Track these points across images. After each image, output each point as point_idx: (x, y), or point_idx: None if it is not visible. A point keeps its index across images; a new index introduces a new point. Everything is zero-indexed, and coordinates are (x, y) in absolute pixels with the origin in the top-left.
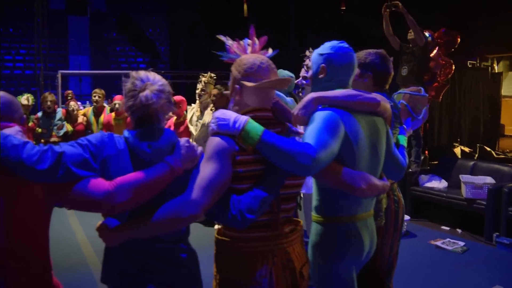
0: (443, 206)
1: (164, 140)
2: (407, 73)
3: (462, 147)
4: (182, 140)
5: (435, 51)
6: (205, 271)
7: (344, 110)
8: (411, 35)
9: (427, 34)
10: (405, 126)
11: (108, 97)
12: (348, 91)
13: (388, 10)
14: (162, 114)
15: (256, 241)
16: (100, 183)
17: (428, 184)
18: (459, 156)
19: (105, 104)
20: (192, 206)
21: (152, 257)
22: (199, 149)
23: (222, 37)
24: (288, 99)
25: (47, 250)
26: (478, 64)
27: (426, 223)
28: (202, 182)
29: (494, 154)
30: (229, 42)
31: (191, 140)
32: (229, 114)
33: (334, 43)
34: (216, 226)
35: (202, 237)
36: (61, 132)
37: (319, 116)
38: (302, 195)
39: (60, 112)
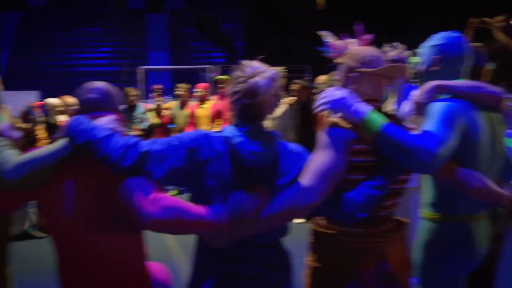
0: None
1: (270, 146)
2: None
3: None
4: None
5: None
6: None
7: (465, 102)
8: None
9: None
10: None
11: None
12: (472, 82)
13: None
14: (268, 108)
15: (352, 236)
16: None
17: None
18: None
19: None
20: (311, 193)
21: (250, 262)
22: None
23: (323, 33)
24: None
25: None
26: None
27: None
28: (319, 170)
29: None
30: (329, 38)
31: None
32: (350, 101)
33: (446, 33)
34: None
35: None
36: (144, 125)
37: (438, 107)
38: None
39: (141, 106)
